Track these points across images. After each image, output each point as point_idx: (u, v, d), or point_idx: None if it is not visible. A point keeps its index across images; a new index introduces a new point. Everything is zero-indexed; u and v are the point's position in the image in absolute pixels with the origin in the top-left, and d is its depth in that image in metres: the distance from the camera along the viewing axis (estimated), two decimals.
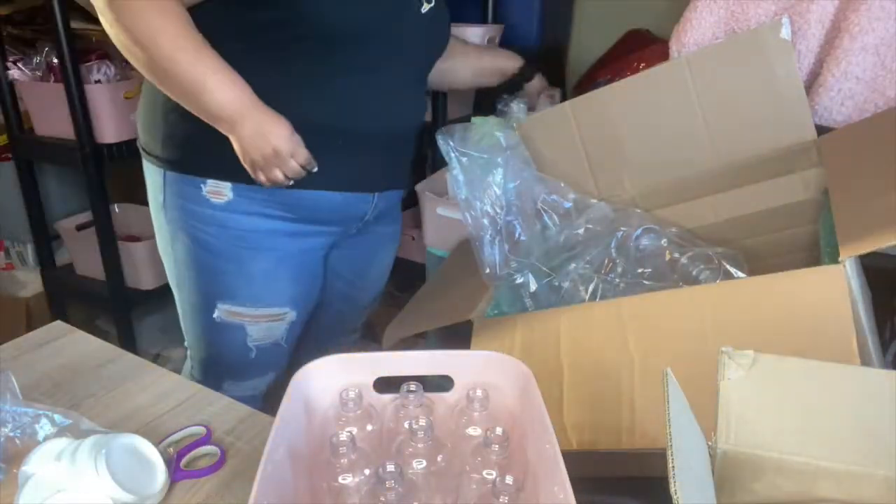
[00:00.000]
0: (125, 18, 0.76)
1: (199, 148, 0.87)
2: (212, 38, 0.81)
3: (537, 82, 1.18)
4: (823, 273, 0.67)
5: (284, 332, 1.02)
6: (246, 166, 0.86)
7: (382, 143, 0.96)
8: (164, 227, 0.97)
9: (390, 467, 0.49)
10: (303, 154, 0.86)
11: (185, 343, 1.09)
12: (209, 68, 0.79)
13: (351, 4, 0.83)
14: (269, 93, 0.84)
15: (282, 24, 0.83)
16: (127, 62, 0.83)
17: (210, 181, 0.90)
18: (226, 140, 0.85)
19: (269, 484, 0.47)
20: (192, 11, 0.81)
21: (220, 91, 0.80)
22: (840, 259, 0.65)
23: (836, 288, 0.65)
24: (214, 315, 0.98)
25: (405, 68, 0.95)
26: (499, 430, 0.53)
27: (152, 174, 0.95)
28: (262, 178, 0.86)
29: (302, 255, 0.99)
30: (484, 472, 0.53)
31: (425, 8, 0.92)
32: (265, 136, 0.82)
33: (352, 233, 1.04)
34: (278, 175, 0.85)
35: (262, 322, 0.99)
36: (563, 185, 1.02)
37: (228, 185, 0.90)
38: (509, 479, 0.48)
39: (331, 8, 0.82)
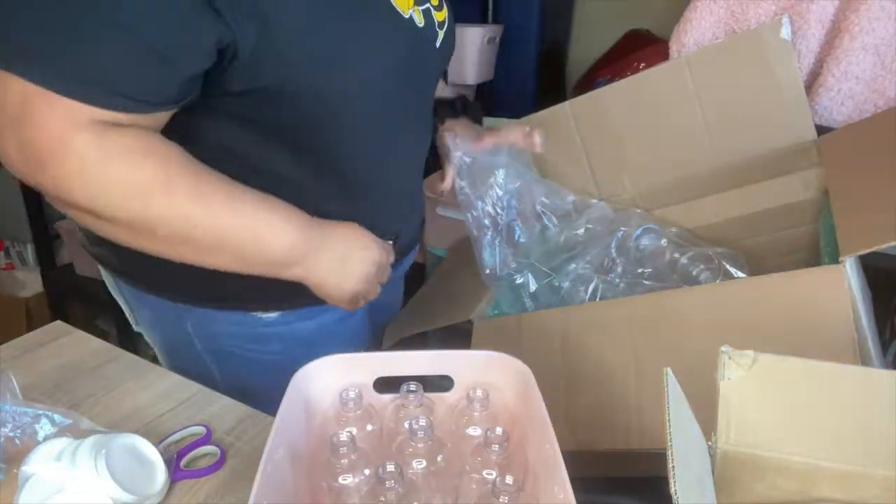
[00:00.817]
0: (111, 209, 0.57)
1: (235, 283, 0.68)
2: (221, 160, 0.63)
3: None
4: (823, 273, 0.67)
5: None
6: (344, 307, 0.69)
7: (419, 183, 0.92)
8: (195, 361, 0.82)
9: (390, 467, 0.49)
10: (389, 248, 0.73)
11: None
12: (253, 210, 0.62)
13: (372, 89, 0.67)
14: (309, 203, 0.68)
15: (303, 127, 0.67)
16: None
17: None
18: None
19: (269, 484, 0.47)
20: (190, 135, 0.62)
21: (280, 234, 0.63)
22: (840, 259, 0.65)
23: (836, 288, 0.65)
24: None
25: (425, 110, 0.86)
26: (499, 430, 0.53)
27: (158, 308, 0.79)
28: (362, 304, 0.70)
29: (366, 317, 0.92)
30: (484, 472, 0.53)
31: (439, 41, 0.75)
32: (354, 258, 0.67)
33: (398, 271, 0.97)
34: (378, 289, 0.71)
35: None
36: (562, 185, 1.02)
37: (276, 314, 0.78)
38: (509, 479, 0.48)
39: (352, 101, 0.66)
